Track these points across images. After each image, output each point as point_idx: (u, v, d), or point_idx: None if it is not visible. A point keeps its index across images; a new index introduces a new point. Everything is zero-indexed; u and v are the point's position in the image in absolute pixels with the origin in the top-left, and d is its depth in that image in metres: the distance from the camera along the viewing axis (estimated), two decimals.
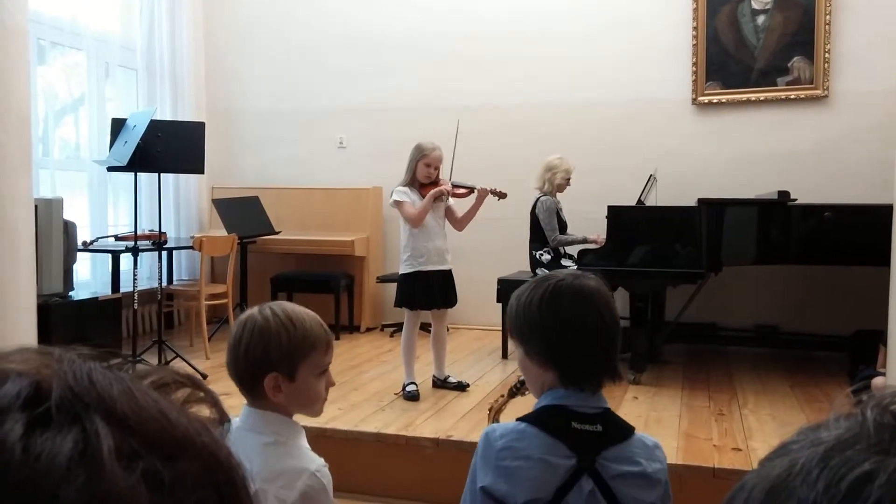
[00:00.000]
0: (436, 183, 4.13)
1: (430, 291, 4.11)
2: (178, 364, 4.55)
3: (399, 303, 4.19)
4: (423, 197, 4.09)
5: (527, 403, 1.51)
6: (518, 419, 1.42)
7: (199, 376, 0.44)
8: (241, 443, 1.44)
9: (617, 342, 1.46)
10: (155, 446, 0.36)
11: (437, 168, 4.11)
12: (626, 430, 1.43)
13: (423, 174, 4.08)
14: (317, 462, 1.49)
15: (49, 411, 0.35)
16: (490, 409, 1.68)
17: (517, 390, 1.56)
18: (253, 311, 1.55)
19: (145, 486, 0.35)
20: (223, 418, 0.45)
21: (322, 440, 3.26)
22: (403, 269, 4.15)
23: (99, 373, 0.38)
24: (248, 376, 1.51)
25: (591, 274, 1.53)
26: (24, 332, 3.44)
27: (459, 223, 4.27)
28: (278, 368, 1.49)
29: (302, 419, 1.60)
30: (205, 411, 0.44)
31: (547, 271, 4.97)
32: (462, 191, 4.25)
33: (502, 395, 1.65)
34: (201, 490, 0.37)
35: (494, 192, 4.21)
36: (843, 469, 0.37)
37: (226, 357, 1.56)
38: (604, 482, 1.35)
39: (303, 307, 1.58)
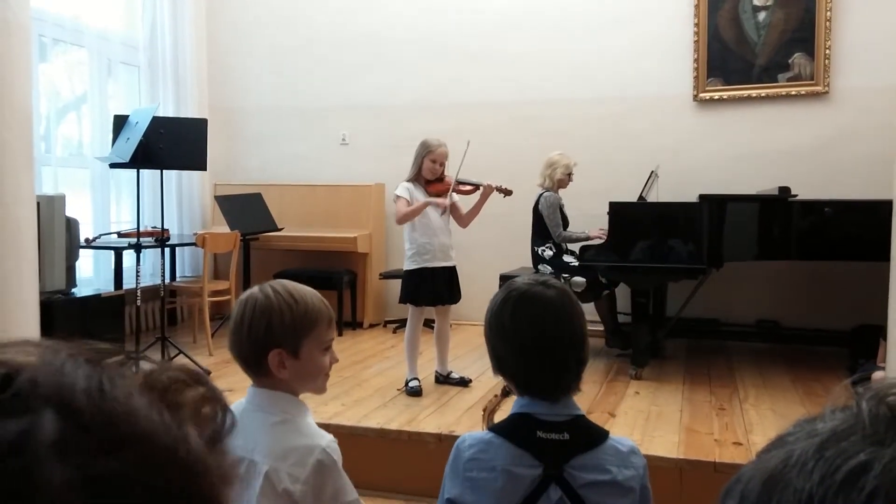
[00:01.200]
0: (441, 179, 4.16)
1: (435, 288, 4.13)
2: (181, 361, 4.57)
3: (404, 299, 4.20)
4: (427, 193, 4.12)
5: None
6: (489, 428, 1.42)
7: (203, 373, 0.43)
8: (249, 423, 1.46)
9: (572, 353, 1.39)
10: (104, 444, 0.36)
11: (442, 164, 4.14)
12: (596, 437, 1.38)
13: (429, 170, 4.11)
14: (326, 438, 1.50)
15: (7, 399, 0.36)
16: (484, 410, 1.66)
17: (511, 390, 1.55)
18: (253, 290, 1.55)
19: (81, 484, 0.34)
20: (225, 417, 0.45)
21: None
22: (408, 266, 4.16)
23: (73, 367, 0.38)
24: (253, 355, 1.51)
25: (557, 281, 1.48)
26: (27, 329, 3.45)
27: (464, 220, 4.29)
28: (282, 345, 1.49)
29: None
30: (208, 410, 0.44)
31: (549, 267, 4.99)
32: (467, 187, 4.26)
33: (496, 395, 1.63)
34: (143, 493, 0.36)
35: (500, 190, 4.22)
36: (838, 460, 0.37)
37: (228, 338, 1.56)
38: (573, 491, 1.32)
39: (303, 285, 1.58)
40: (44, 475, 0.34)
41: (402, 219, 4.10)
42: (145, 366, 0.45)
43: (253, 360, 1.52)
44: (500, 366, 1.44)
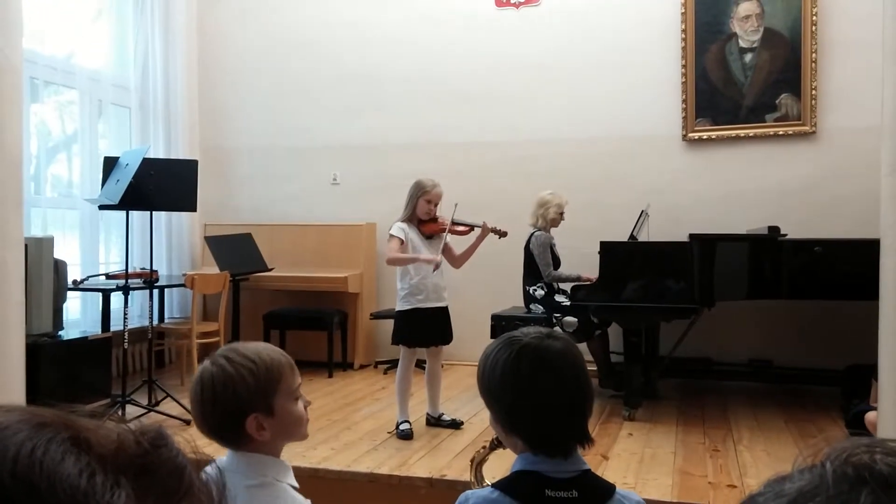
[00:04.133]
0: (435, 220, 4.16)
1: (427, 328, 4.10)
2: (168, 404, 4.50)
3: (396, 340, 4.16)
4: (421, 233, 4.12)
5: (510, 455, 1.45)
6: (492, 485, 1.37)
7: (165, 434, 0.45)
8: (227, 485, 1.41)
9: (584, 406, 1.38)
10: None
11: (437, 205, 4.14)
12: (605, 493, 1.36)
13: (424, 210, 4.11)
14: None
15: None
16: (472, 461, 1.63)
17: (499, 443, 1.51)
18: (204, 365, 1.51)
19: None
20: (180, 482, 0.44)
21: (314, 481, 3.22)
22: (401, 306, 4.13)
23: (10, 434, 0.40)
24: (228, 426, 1.46)
25: (561, 332, 1.46)
26: (13, 372, 3.40)
27: (457, 261, 4.27)
28: (256, 409, 1.45)
29: (293, 460, 1.57)
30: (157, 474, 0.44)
31: (541, 307, 4.97)
32: (462, 228, 4.25)
33: (484, 447, 1.59)
34: None
35: (496, 231, 4.23)
36: None
37: (194, 418, 1.51)
38: None
39: (251, 342, 1.56)
40: None
41: (393, 261, 4.10)
42: (117, 430, 0.45)
43: (229, 432, 1.47)
44: (512, 424, 1.38)
